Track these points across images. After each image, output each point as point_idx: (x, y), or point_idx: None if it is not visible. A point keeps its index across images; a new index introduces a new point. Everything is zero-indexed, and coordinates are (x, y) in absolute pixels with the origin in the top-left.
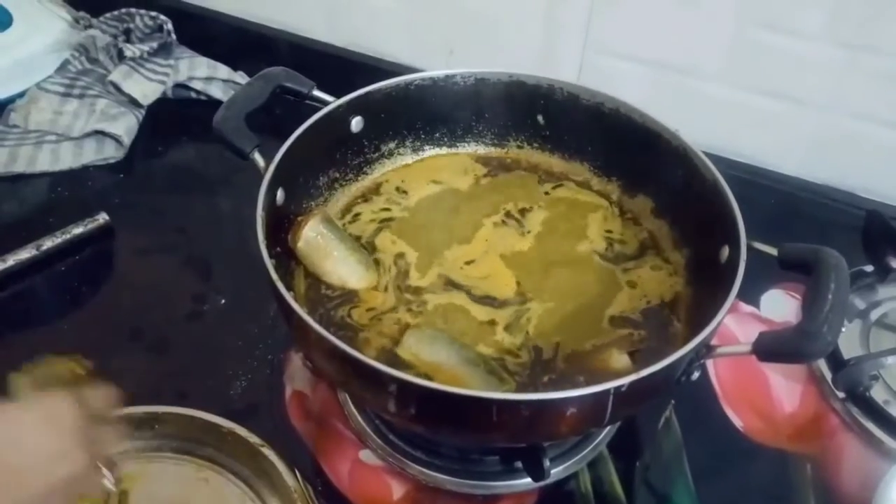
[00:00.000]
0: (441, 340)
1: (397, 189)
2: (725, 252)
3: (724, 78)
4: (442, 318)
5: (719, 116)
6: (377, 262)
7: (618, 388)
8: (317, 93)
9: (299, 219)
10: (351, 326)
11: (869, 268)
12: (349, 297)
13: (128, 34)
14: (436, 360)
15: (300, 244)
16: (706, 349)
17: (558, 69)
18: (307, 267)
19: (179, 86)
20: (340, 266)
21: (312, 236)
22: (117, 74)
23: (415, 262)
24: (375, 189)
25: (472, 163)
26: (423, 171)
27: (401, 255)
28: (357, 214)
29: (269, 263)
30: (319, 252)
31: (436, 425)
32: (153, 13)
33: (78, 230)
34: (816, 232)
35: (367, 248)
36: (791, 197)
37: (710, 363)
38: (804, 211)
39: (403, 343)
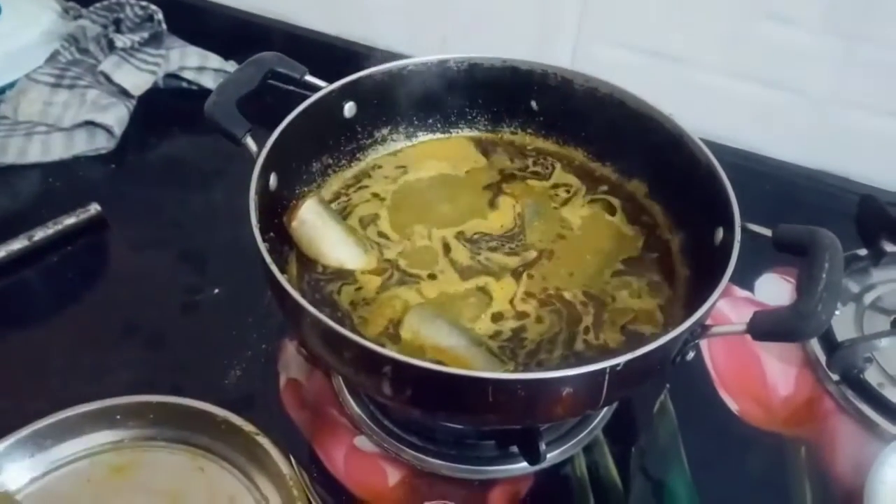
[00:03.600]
0: (443, 321)
1: (391, 174)
2: (720, 234)
3: (721, 67)
4: (442, 299)
5: (715, 105)
6: (375, 244)
7: (613, 367)
8: (309, 78)
9: (294, 201)
10: (347, 308)
11: (863, 251)
12: (345, 278)
13: (118, 24)
14: (437, 342)
15: (295, 224)
16: (701, 329)
17: (552, 58)
18: (302, 248)
19: (170, 76)
20: (337, 247)
21: (309, 217)
22: (108, 65)
23: (411, 244)
24: (368, 174)
25: (468, 149)
26: (417, 157)
27: (400, 237)
28: (350, 198)
29: (262, 246)
30: (316, 232)
31: (431, 407)
32: (143, 3)
33: (70, 221)
34: (811, 217)
35: (362, 229)
36: (786, 183)
37: (705, 348)
38: (799, 196)
39: (404, 323)
